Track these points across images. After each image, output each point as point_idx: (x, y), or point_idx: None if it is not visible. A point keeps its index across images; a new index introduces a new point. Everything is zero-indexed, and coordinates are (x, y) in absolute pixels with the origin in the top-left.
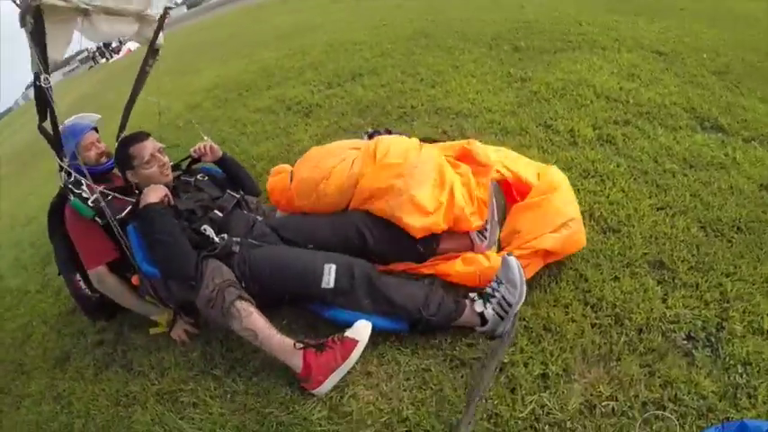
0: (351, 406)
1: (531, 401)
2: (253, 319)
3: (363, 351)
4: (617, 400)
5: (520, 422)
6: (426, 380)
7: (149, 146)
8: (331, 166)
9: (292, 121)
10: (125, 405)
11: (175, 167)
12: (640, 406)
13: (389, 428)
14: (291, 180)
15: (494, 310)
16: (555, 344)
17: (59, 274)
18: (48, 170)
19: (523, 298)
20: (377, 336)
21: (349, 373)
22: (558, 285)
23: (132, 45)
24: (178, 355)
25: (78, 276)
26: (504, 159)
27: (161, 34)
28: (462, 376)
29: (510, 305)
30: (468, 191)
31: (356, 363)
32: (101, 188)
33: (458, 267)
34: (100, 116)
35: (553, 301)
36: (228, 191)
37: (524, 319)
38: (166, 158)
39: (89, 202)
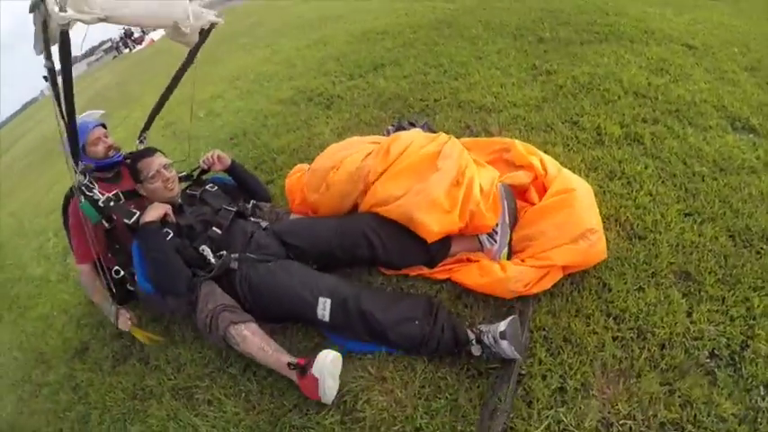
0: (364, 411)
1: (547, 416)
2: (247, 344)
3: (378, 355)
4: (635, 419)
5: None
6: (442, 388)
7: (155, 161)
8: (343, 156)
9: (313, 113)
10: (141, 399)
11: (187, 177)
12: (658, 426)
13: None
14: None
15: (488, 357)
16: (574, 356)
17: None
18: None
19: (520, 359)
20: None
21: (363, 377)
22: (580, 294)
23: (155, 35)
24: (194, 350)
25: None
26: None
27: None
28: (479, 386)
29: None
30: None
31: (370, 369)
32: (113, 192)
33: (474, 278)
34: (104, 111)
35: (575, 310)
36: (224, 206)
37: (544, 329)
38: (172, 173)
39: (100, 203)
